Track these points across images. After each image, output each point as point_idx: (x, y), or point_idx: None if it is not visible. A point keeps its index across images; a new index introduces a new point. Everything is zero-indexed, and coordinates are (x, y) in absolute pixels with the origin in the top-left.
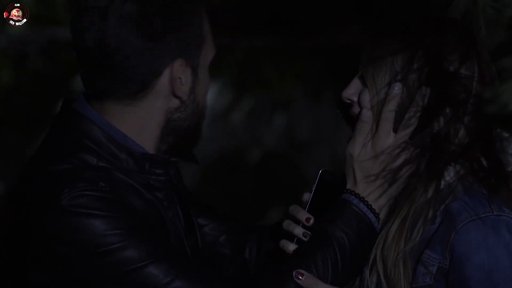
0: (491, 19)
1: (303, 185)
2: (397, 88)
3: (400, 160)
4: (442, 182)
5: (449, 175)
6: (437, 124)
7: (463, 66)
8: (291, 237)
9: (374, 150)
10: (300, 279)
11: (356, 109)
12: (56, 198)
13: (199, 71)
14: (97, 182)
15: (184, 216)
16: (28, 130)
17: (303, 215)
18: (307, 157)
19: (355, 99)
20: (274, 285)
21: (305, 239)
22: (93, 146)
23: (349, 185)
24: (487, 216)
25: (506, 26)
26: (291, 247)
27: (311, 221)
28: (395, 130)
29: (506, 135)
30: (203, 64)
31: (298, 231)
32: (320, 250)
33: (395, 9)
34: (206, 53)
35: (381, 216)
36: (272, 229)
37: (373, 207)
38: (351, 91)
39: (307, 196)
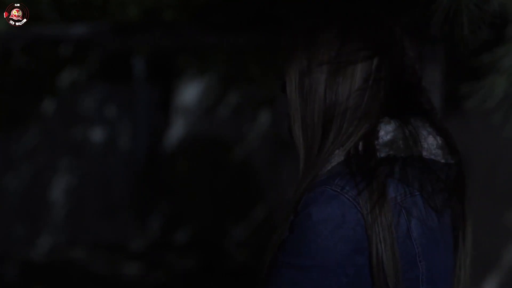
0: (474, 16)
1: (287, 182)
2: None
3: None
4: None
5: (335, 161)
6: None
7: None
8: None
9: None
10: None
11: None
12: None
13: None
14: None
15: None
16: (11, 127)
17: None
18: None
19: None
20: None
21: None
22: None
23: None
24: (325, 188)
25: (488, 24)
26: None
27: None
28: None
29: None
30: None
31: None
32: None
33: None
34: None
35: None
36: None
37: None
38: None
39: None
